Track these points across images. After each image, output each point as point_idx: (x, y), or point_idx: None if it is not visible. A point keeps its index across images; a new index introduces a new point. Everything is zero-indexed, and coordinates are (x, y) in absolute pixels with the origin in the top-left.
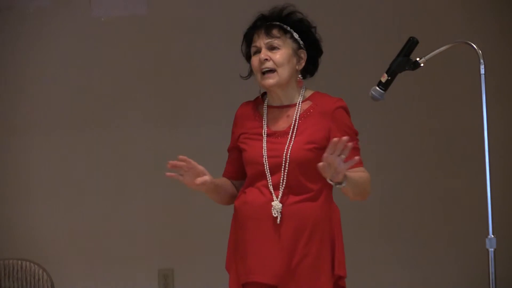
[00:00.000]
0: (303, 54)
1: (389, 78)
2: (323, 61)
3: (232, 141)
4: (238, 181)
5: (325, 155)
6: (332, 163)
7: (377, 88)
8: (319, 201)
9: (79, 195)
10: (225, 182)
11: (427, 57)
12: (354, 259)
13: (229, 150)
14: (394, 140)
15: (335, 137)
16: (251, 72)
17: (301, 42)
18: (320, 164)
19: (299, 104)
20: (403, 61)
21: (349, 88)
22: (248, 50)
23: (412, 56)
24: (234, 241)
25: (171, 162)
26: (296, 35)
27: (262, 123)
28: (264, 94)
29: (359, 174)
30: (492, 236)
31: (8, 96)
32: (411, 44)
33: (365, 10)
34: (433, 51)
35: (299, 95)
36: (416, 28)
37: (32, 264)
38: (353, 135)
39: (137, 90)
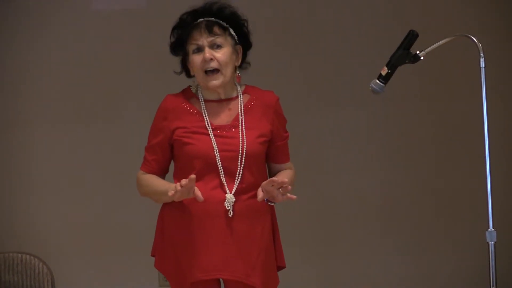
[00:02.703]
0: (239, 49)
1: (389, 71)
2: (323, 54)
3: (162, 136)
4: (163, 177)
5: (264, 183)
6: (271, 192)
7: (377, 81)
8: None
9: (79, 189)
10: None
11: (427, 50)
12: (353, 252)
13: (154, 145)
14: (394, 133)
15: (278, 130)
16: (184, 68)
17: (236, 37)
18: (260, 195)
19: (240, 97)
20: (403, 54)
21: (349, 81)
22: (177, 44)
23: (412, 49)
24: (171, 238)
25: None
26: (232, 31)
27: (203, 117)
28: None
29: (290, 176)
30: (492, 229)
31: (8, 90)
32: (411, 37)
33: (365, 3)
34: (433, 44)
35: (235, 89)
36: (416, 22)
37: (32, 258)
38: (285, 125)
39: (138, 84)
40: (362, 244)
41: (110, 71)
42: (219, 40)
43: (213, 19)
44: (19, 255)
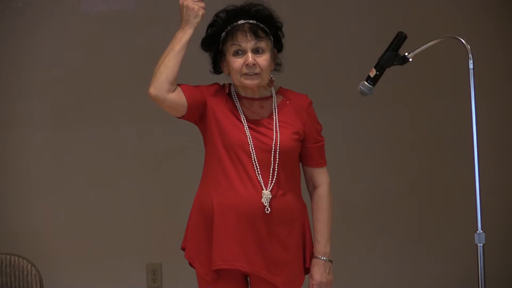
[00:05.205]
0: (275, 52)
1: (378, 73)
2: (310, 56)
3: (198, 91)
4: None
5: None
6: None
7: (366, 83)
8: (297, 193)
9: (68, 190)
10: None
11: (415, 52)
12: (342, 254)
13: (188, 85)
14: (382, 135)
15: (310, 131)
16: (216, 64)
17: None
18: None
19: (274, 97)
20: (392, 56)
21: (337, 82)
22: (211, 40)
23: (400, 51)
24: (201, 229)
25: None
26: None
27: (237, 111)
28: (230, 85)
29: (326, 220)
30: (481, 231)
31: None
32: (400, 39)
33: (354, 5)
34: (422, 46)
35: (269, 90)
36: (405, 23)
37: (20, 259)
38: (320, 131)
39: (128, 85)
40: (350, 245)
41: (98, 73)
42: (262, 44)
43: (254, 21)
44: (8, 256)
